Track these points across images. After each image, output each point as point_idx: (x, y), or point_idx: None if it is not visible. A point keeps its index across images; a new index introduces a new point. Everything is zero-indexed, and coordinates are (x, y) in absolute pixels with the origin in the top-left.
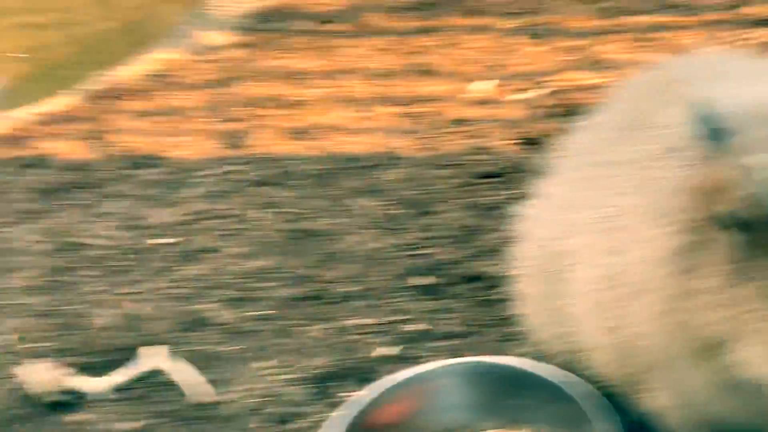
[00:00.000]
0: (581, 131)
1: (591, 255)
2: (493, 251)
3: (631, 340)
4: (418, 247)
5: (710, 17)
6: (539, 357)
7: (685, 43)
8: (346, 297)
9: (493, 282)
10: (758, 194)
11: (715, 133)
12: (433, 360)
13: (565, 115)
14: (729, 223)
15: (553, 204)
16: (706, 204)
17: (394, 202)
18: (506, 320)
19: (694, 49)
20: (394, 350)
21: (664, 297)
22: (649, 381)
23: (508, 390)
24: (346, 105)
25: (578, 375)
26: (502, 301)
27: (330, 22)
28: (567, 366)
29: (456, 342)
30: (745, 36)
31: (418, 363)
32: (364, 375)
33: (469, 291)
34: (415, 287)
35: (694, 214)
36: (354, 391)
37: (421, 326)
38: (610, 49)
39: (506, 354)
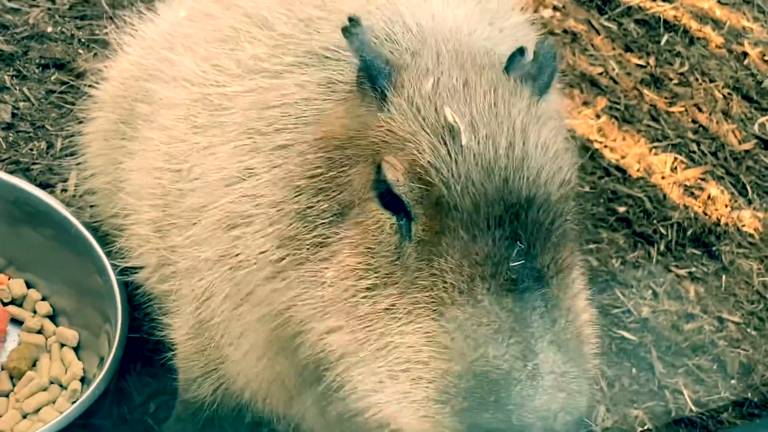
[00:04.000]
0: None
1: (179, 125)
2: (90, 44)
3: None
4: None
5: None
6: (76, 204)
7: None
8: None
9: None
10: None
11: (380, 78)
12: None
13: None
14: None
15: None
16: (368, 159)
17: None
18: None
19: None
20: None
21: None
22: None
23: (16, 216)
24: None
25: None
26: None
27: None
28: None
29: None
30: None
31: None
32: None
33: (44, 77)
34: None
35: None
36: None
37: None
38: None
39: (35, 172)
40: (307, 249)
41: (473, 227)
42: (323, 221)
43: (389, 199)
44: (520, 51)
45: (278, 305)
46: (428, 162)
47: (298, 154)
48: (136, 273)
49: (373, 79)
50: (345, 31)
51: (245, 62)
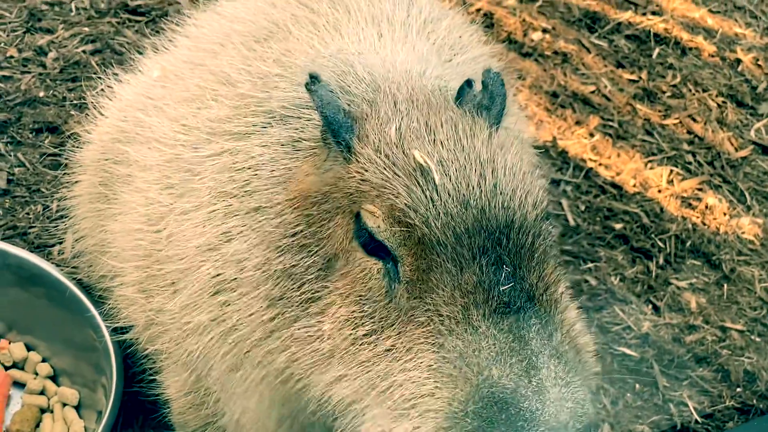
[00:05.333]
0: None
1: (153, 186)
2: (83, 106)
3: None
4: (5, 68)
5: None
6: (71, 265)
7: None
8: None
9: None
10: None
11: (342, 132)
12: None
13: None
14: (369, 244)
15: (155, 94)
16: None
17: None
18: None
19: None
20: None
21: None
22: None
23: (11, 282)
24: None
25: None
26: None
27: None
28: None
29: None
30: None
31: None
32: None
33: (38, 142)
34: None
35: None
36: None
37: None
38: None
39: (32, 235)
40: (297, 306)
41: (459, 259)
42: (310, 277)
43: (373, 246)
44: (468, 83)
45: (277, 364)
46: (406, 204)
47: (275, 215)
48: (127, 332)
49: (336, 133)
50: (306, 87)
51: (210, 124)
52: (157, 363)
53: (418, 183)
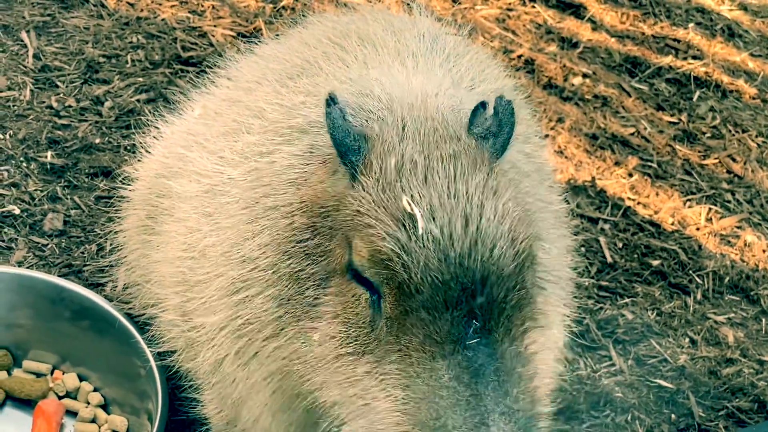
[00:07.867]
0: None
1: (193, 215)
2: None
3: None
4: (64, 116)
5: None
6: (121, 299)
7: None
8: None
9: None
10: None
11: (349, 154)
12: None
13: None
14: (356, 275)
15: (193, 133)
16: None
17: (61, 54)
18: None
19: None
20: None
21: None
22: (205, 383)
23: (65, 315)
24: None
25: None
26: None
27: None
28: (146, 321)
29: (51, 240)
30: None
31: None
32: None
33: (93, 185)
34: (42, 163)
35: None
36: None
37: (17, 209)
38: None
39: (87, 273)
40: (302, 307)
41: (432, 309)
42: (313, 283)
43: (363, 276)
44: (482, 105)
45: (281, 360)
46: (390, 250)
47: (287, 216)
48: (170, 356)
49: (344, 155)
50: (326, 103)
51: (243, 150)
52: (194, 382)
53: (405, 226)
